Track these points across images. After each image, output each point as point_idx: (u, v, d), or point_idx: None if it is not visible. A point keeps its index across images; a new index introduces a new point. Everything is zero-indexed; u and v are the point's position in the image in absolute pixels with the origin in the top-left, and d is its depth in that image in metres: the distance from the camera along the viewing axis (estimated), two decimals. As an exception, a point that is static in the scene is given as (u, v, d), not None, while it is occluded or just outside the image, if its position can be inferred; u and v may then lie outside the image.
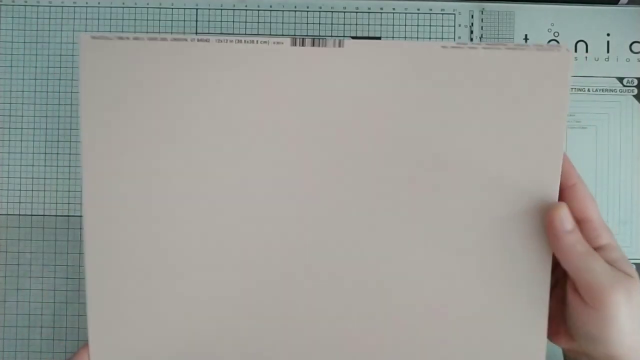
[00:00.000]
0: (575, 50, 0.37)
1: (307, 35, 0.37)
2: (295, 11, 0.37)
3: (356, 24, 0.37)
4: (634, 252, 0.36)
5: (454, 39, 0.37)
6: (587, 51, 0.37)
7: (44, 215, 0.36)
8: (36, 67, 0.36)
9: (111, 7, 0.37)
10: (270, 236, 0.29)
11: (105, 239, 0.29)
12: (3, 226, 0.36)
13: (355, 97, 0.28)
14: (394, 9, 0.37)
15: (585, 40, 0.37)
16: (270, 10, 0.37)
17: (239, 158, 0.29)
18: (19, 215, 0.36)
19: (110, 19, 0.37)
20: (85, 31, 0.36)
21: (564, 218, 0.26)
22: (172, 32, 0.37)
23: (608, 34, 0.37)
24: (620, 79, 0.37)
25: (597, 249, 0.27)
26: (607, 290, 0.25)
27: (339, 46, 0.28)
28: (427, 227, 0.29)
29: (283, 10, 0.37)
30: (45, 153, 0.36)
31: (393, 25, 0.37)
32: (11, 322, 0.36)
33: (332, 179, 0.29)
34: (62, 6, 0.37)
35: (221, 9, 0.37)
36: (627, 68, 0.36)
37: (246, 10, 0.37)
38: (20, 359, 0.36)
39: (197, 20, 0.37)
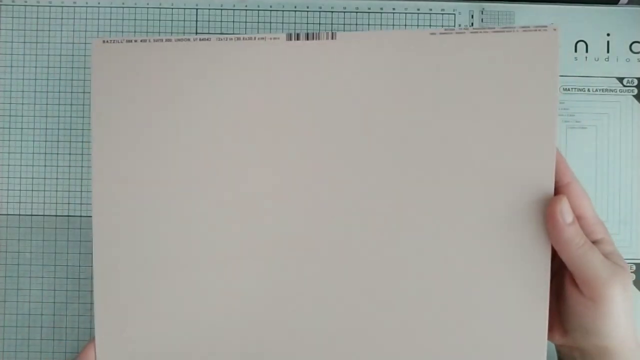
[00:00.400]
0: (575, 50, 0.37)
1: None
2: (295, 11, 0.37)
3: (356, 24, 0.37)
4: (634, 252, 0.36)
5: (454, 39, 0.37)
6: (587, 51, 0.37)
7: (44, 215, 0.36)
8: (36, 67, 0.36)
9: (111, 7, 0.37)
10: (276, 234, 0.29)
11: (113, 237, 0.30)
12: (3, 226, 0.36)
13: (350, 87, 0.29)
14: (394, 9, 0.37)
15: (585, 40, 0.37)
16: (270, 10, 0.37)
17: (244, 155, 0.29)
18: (19, 215, 0.36)
19: (110, 19, 0.37)
20: (86, 31, 0.36)
21: (565, 211, 0.27)
22: (172, 33, 0.37)
23: (608, 34, 0.37)
24: (620, 79, 0.37)
25: (593, 243, 0.27)
26: (605, 283, 0.26)
27: (332, 38, 0.29)
28: (422, 220, 0.29)
29: (283, 10, 0.37)
30: (45, 153, 0.36)
31: (393, 25, 0.37)
32: (11, 322, 0.36)
33: (330, 172, 0.29)
34: (62, 6, 0.37)
35: (221, 9, 0.37)
36: (627, 68, 0.36)
37: (246, 10, 0.37)
38: (20, 359, 0.36)
39: (197, 20, 0.37)
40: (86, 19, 0.37)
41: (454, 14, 0.37)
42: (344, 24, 0.37)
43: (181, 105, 0.29)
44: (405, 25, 0.37)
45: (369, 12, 0.37)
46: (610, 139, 0.36)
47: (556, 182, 0.28)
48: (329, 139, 0.29)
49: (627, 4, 0.37)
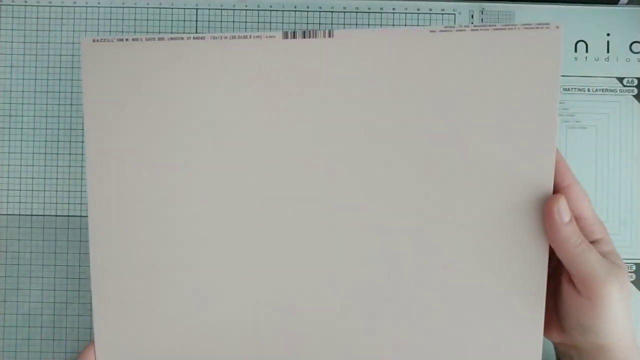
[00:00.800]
0: (575, 50, 0.37)
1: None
2: (295, 11, 0.37)
3: (356, 24, 0.37)
4: (634, 252, 0.36)
5: (454, 39, 0.37)
6: (587, 51, 0.37)
7: (44, 215, 0.36)
8: (36, 67, 0.36)
9: (111, 7, 0.37)
10: (272, 234, 0.29)
11: (109, 238, 0.30)
12: (3, 226, 0.36)
13: (348, 86, 0.29)
14: (394, 9, 0.37)
15: (585, 40, 0.37)
16: (270, 10, 0.37)
17: (239, 153, 0.29)
18: (19, 215, 0.36)
19: (110, 19, 0.37)
20: (86, 31, 0.36)
21: (562, 210, 0.27)
22: (171, 32, 0.37)
23: (608, 34, 0.37)
24: (620, 79, 0.37)
25: (592, 242, 0.28)
26: (602, 281, 0.26)
27: (329, 37, 0.28)
28: (421, 218, 0.29)
29: (283, 10, 0.37)
30: (45, 153, 0.36)
31: (393, 25, 0.37)
32: (11, 322, 0.36)
33: (328, 170, 0.29)
34: (62, 6, 0.37)
35: (221, 9, 0.37)
36: (627, 68, 0.36)
37: (246, 10, 0.37)
38: (20, 359, 0.36)
39: (197, 20, 0.37)
40: (86, 19, 0.37)
41: (454, 14, 0.37)
42: (344, 24, 0.37)
43: (175, 105, 0.29)
44: (406, 25, 0.37)
45: (369, 12, 0.37)
46: (610, 139, 0.36)
47: (556, 184, 0.28)
48: (326, 139, 0.29)
49: (627, 4, 0.37)
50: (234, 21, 0.37)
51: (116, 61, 0.29)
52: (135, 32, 0.37)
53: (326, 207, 0.29)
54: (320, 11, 0.37)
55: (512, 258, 0.28)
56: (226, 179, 0.29)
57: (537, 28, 0.27)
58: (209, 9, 0.37)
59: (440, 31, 0.28)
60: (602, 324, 0.26)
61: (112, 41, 0.29)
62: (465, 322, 0.29)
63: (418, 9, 0.37)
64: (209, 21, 0.37)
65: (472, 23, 0.37)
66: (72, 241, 0.36)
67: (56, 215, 0.36)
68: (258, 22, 0.37)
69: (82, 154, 0.36)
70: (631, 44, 0.37)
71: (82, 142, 0.36)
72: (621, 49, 0.37)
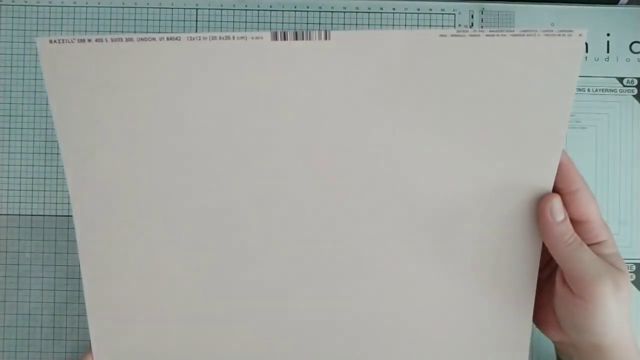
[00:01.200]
0: (575, 50, 0.37)
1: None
2: (295, 11, 0.37)
3: (356, 24, 0.37)
4: (634, 252, 0.36)
5: (454, 39, 0.37)
6: (587, 51, 0.37)
7: (44, 215, 0.36)
8: (36, 67, 0.36)
9: (111, 7, 0.36)
10: (268, 234, 0.29)
11: (97, 243, 0.29)
12: (3, 226, 0.36)
13: (343, 93, 0.27)
14: (394, 9, 0.37)
15: (585, 40, 0.37)
16: (270, 10, 0.37)
17: (215, 155, 0.28)
18: (19, 215, 0.36)
19: (110, 19, 0.37)
20: (86, 31, 0.36)
21: (555, 209, 0.27)
22: (171, 32, 0.37)
23: (608, 34, 0.37)
24: (620, 79, 0.37)
25: (594, 245, 0.28)
26: (594, 281, 0.26)
27: (325, 39, 0.26)
28: (418, 217, 0.29)
29: (283, 10, 0.37)
30: (45, 153, 0.36)
31: (393, 25, 0.37)
32: (11, 322, 0.36)
33: (322, 177, 0.28)
34: (62, 6, 0.37)
35: (221, 9, 0.37)
36: (627, 68, 0.36)
37: (246, 10, 0.37)
38: (20, 359, 0.36)
39: (197, 20, 0.37)
40: (86, 19, 0.37)
41: (454, 14, 0.37)
42: (344, 24, 0.37)
43: (146, 107, 0.27)
44: (405, 25, 0.37)
45: (369, 12, 0.37)
46: (610, 139, 0.36)
47: (565, 188, 0.28)
48: (318, 146, 0.28)
49: (627, 4, 0.37)
50: (233, 21, 0.37)
51: (80, 63, 0.27)
52: (135, 32, 0.37)
53: (319, 211, 0.29)
54: (320, 11, 0.37)
55: (505, 256, 0.29)
56: (211, 180, 0.28)
57: (560, 35, 0.25)
58: (209, 9, 0.37)
59: (452, 35, 0.26)
60: (596, 324, 0.26)
61: (73, 42, 0.26)
62: (457, 315, 0.29)
63: (418, 9, 0.37)
64: (208, 21, 0.37)
65: (472, 24, 0.37)
66: (72, 241, 0.36)
67: (56, 215, 0.36)
68: (258, 22, 0.37)
69: (82, 154, 0.36)
70: (631, 44, 0.37)
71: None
72: (621, 49, 0.37)
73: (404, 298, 0.29)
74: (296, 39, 0.26)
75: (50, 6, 0.37)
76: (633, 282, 0.36)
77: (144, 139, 0.28)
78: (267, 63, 0.26)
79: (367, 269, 0.29)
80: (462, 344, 0.30)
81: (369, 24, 0.37)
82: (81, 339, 0.36)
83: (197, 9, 0.37)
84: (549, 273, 0.30)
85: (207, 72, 0.27)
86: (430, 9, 0.37)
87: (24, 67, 0.36)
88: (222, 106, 0.27)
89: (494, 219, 0.28)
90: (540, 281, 0.29)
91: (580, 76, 0.36)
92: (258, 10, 0.37)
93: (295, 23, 0.37)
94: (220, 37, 0.26)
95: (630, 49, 0.37)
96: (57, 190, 0.36)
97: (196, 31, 0.37)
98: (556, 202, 0.27)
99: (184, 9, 0.37)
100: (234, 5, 0.37)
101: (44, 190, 0.36)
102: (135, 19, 0.37)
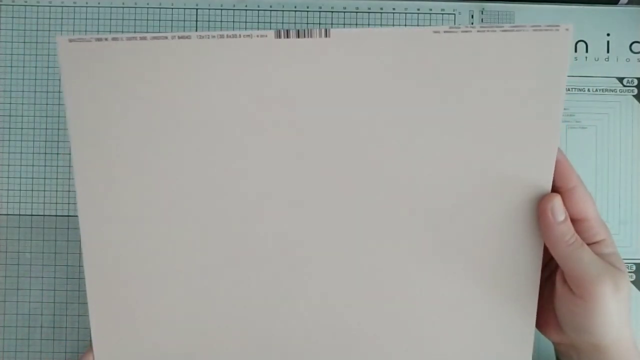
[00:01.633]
0: (575, 51, 0.37)
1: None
2: (295, 11, 0.37)
3: (356, 24, 0.37)
4: (634, 252, 0.36)
5: (454, 39, 0.37)
6: (587, 51, 0.37)
7: (44, 215, 0.36)
8: (36, 67, 0.36)
9: (111, 7, 0.37)
10: (267, 234, 0.29)
11: (102, 242, 0.29)
12: (3, 226, 0.36)
13: (344, 88, 0.28)
14: (394, 9, 0.37)
15: (585, 40, 0.37)
16: (270, 10, 0.37)
17: (227, 154, 0.28)
18: (19, 215, 0.36)
19: (110, 19, 0.37)
20: (86, 31, 0.37)
21: (556, 209, 0.27)
22: (171, 32, 0.37)
23: (608, 34, 0.37)
24: (620, 79, 0.37)
25: (593, 244, 0.28)
26: (594, 281, 0.26)
27: (325, 36, 0.27)
28: (418, 217, 0.29)
29: (283, 10, 0.37)
30: (45, 153, 0.36)
31: (393, 25, 0.37)
32: (11, 322, 0.36)
33: (324, 175, 0.28)
34: (62, 6, 0.37)
35: (221, 9, 0.37)
36: (627, 68, 0.36)
37: (246, 10, 0.37)
38: (20, 359, 0.36)
39: (197, 20, 0.37)
40: (86, 19, 0.37)
41: (454, 14, 0.37)
42: (344, 24, 0.37)
43: (160, 106, 0.28)
44: (406, 25, 0.37)
45: (369, 12, 0.37)
46: (610, 139, 0.36)
47: (561, 186, 0.28)
48: (320, 144, 0.28)
49: (627, 4, 0.37)
50: (233, 21, 0.37)
51: (96, 62, 0.28)
52: (135, 32, 0.37)
53: (323, 210, 0.29)
54: (320, 11, 0.37)
55: (507, 256, 0.29)
56: (215, 179, 0.29)
57: (547, 30, 0.26)
58: (209, 9, 0.37)
59: (445, 32, 0.27)
60: (596, 324, 0.26)
61: (90, 41, 0.27)
62: (459, 316, 0.29)
63: (418, 9, 0.37)
64: (208, 21, 0.37)
65: (472, 24, 0.37)
66: (72, 241, 0.36)
67: (56, 215, 0.36)
68: (258, 22, 0.37)
69: (82, 154, 0.36)
70: (631, 44, 0.37)
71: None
72: (621, 49, 0.37)
73: (405, 298, 0.29)
74: (298, 37, 0.27)
75: (50, 6, 0.37)
76: (633, 282, 0.36)
77: (154, 136, 0.28)
78: (272, 58, 0.28)
79: (368, 269, 0.29)
80: (465, 344, 0.30)
81: (369, 24, 0.37)
82: (81, 339, 0.36)
83: (197, 9, 0.37)
84: (548, 273, 0.30)
85: (215, 69, 0.28)
86: (430, 9, 0.37)
87: (24, 67, 0.36)
88: (227, 102, 0.28)
89: (494, 219, 0.28)
90: (539, 282, 0.29)
91: (580, 76, 0.36)
92: (258, 10, 0.37)
93: (295, 23, 0.37)
94: (227, 36, 0.27)
95: (630, 49, 0.37)
96: (57, 190, 0.36)
97: (196, 31, 0.37)
98: (557, 202, 0.27)
99: (184, 9, 0.37)
100: (234, 5, 0.37)
101: (44, 190, 0.36)
102: (135, 19, 0.37)
